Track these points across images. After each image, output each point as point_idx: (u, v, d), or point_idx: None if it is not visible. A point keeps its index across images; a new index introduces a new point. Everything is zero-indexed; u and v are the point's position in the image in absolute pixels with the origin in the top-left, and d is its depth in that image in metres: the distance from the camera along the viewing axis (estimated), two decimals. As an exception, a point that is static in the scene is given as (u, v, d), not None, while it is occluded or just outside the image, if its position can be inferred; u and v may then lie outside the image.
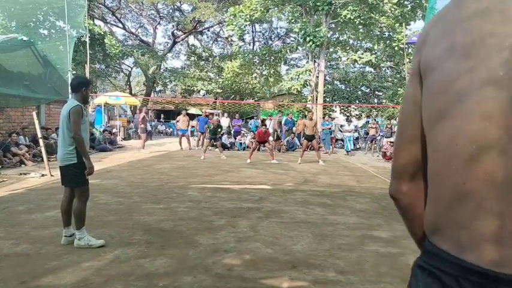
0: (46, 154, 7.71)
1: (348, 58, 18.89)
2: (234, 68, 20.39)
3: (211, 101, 26.33)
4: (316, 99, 18.12)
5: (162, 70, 27.32)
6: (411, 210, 0.85)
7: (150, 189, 6.33)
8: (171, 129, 23.75)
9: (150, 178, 7.55)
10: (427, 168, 0.77)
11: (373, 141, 15.21)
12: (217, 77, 26.21)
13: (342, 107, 23.57)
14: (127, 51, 23.70)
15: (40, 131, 7.89)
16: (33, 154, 9.62)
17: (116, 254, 3.40)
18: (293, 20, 19.07)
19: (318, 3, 16.37)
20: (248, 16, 17.53)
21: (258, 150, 13.06)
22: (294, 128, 16.09)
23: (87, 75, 11.16)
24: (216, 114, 20.49)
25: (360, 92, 24.83)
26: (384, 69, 24.20)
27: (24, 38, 9.62)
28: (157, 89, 31.26)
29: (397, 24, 16.41)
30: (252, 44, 28.60)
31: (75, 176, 3.54)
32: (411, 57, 7.31)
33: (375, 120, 18.03)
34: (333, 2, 16.30)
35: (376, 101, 25.41)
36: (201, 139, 14.24)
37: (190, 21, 25.93)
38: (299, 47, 19.81)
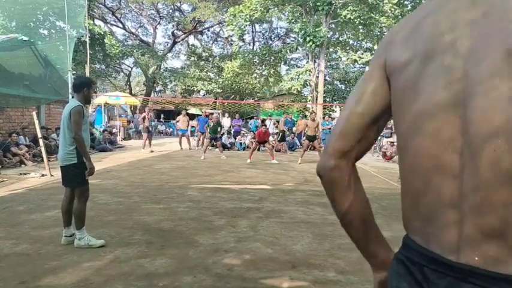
0: (46, 154, 7.71)
1: (348, 58, 18.89)
2: (234, 68, 20.39)
3: (211, 101, 26.32)
4: (316, 99, 18.12)
5: (162, 70, 27.31)
6: (338, 185, 0.82)
7: (150, 189, 6.33)
8: (171, 129, 23.73)
9: (150, 178, 7.55)
10: (362, 151, 0.82)
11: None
12: (217, 77, 26.21)
13: (342, 107, 23.50)
14: (127, 51, 23.71)
15: (40, 131, 7.88)
16: (33, 154, 9.61)
17: (116, 254, 3.40)
18: (293, 20, 19.06)
19: (318, 3, 16.38)
20: (248, 16, 17.52)
21: (258, 150, 13.06)
22: (294, 128, 16.10)
23: (87, 75, 11.16)
24: (217, 114, 20.47)
25: (360, 92, 24.81)
26: (383, 69, 24.19)
27: (25, 38, 9.63)
28: (157, 89, 31.25)
29: (397, 24, 16.41)
30: (252, 44, 28.62)
31: (75, 176, 3.55)
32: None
33: (375, 120, 18.00)
34: (333, 2, 16.30)
35: (376, 101, 25.39)
36: (201, 139, 14.23)
37: (190, 21, 25.93)
38: (299, 47, 19.81)
